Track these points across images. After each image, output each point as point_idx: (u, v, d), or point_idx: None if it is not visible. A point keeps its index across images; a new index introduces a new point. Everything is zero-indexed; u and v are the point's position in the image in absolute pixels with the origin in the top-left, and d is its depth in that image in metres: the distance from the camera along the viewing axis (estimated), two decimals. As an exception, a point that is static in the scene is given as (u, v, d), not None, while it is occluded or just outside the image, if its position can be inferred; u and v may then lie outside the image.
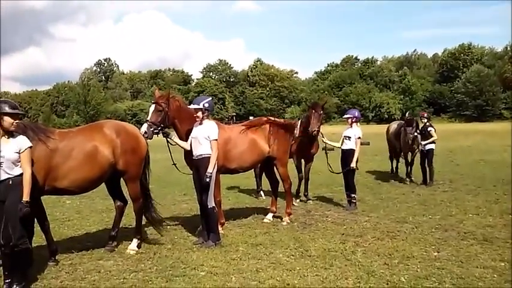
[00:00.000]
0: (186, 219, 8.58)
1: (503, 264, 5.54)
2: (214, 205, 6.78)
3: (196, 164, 6.80)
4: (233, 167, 7.64)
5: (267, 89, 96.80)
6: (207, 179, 6.54)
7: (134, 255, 6.36)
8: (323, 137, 9.62)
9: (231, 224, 7.94)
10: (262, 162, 8.16)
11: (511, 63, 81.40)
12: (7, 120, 4.96)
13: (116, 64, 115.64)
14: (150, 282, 5.25)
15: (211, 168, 6.59)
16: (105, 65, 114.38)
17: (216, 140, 6.69)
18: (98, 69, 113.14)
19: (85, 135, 6.20)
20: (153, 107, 6.84)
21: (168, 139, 7.01)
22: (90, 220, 8.80)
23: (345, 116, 9.52)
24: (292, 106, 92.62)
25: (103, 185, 6.73)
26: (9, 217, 4.85)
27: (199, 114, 6.74)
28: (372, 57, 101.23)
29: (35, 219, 5.93)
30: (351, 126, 9.33)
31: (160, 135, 6.96)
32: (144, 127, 6.72)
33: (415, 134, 11.79)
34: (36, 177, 5.43)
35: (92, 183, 6.23)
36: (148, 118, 6.79)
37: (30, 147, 5.10)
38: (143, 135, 6.69)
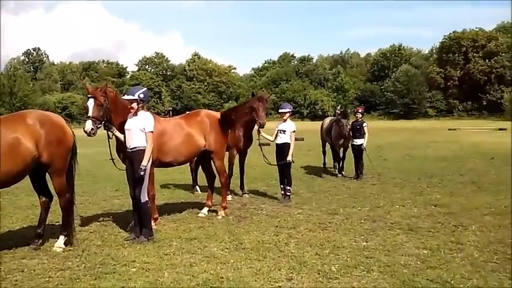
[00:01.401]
0: (117, 215, 8.31)
1: (426, 251, 5.87)
2: (147, 199, 6.61)
3: (130, 157, 6.59)
4: (168, 160, 7.51)
5: (205, 83, 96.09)
6: (141, 172, 6.36)
7: (61, 253, 6.06)
8: (259, 131, 9.56)
9: (165, 219, 7.80)
10: (198, 155, 8.08)
11: (436, 64, 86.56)
12: None
13: (45, 54, 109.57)
14: (77, 280, 5.02)
15: (146, 161, 6.41)
16: (34, 55, 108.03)
17: (152, 132, 6.52)
18: (26, 59, 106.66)
19: (6, 126, 5.78)
20: (91, 101, 6.50)
21: (110, 132, 6.75)
22: (13, 217, 8.27)
23: (282, 110, 9.59)
24: (230, 101, 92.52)
25: (28, 180, 6.36)
26: None
27: (134, 105, 6.52)
28: (308, 55, 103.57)
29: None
30: (285, 121, 9.46)
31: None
32: (89, 124, 6.42)
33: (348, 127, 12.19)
34: None
35: (14, 177, 5.83)
36: (90, 114, 6.45)
37: None
38: (89, 133, 6.40)
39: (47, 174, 6.34)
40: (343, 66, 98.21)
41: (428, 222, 7.41)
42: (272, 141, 9.58)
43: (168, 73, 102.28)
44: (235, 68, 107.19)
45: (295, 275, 5.12)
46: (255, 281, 4.97)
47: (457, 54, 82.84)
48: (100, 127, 6.64)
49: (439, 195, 9.60)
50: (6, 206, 9.28)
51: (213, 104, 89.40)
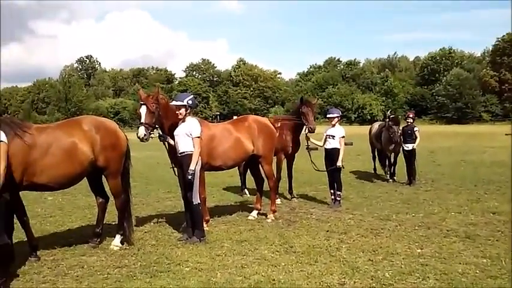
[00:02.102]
0: (170, 216, 8.52)
1: (485, 260, 5.63)
2: (199, 202, 6.74)
3: (180, 161, 6.75)
4: (217, 165, 7.62)
5: (251, 89, 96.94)
6: (189, 176, 6.49)
7: (118, 251, 6.29)
8: (307, 137, 9.51)
9: (216, 221, 7.91)
10: (246, 160, 8.15)
11: (490, 67, 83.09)
12: None
13: (97, 61, 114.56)
14: (134, 277, 5.19)
15: (194, 165, 6.53)
16: (87, 62, 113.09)
17: (199, 137, 6.63)
18: (80, 67, 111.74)
19: (63, 131, 6.08)
20: (144, 108, 6.67)
21: (165, 142, 6.94)
22: (72, 216, 8.67)
23: (330, 115, 9.46)
24: (276, 106, 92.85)
25: (85, 181, 6.65)
26: None
27: (182, 111, 6.66)
28: (355, 59, 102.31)
29: (14, 215, 5.84)
30: (334, 126, 9.36)
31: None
32: (142, 130, 6.58)
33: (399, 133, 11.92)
34: (13, 172, 5.31)
35: (71, 179, 6.12)
36: (142, 120, 6.63)
37: (5, 142, 4.93)
38: (142, 139, 6.59)
39: (103, 176, 6.60)
40: (391, 70, 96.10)
41: (487, 230, 7.10)
42: (321, 146, 9.51)
43: (215, 79, 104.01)
44: (280, 73, 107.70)
45: (348, 280, 5.05)
46: (307, 284, 4.95)
47: None
48: (152, 133, 6.81)
49: (497, 203, 9.17)
50: (65, 206, 9.73)
51: (259, 109, 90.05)
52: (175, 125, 6.83)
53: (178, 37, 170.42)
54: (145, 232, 7.24)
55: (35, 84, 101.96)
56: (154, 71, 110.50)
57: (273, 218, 8.01)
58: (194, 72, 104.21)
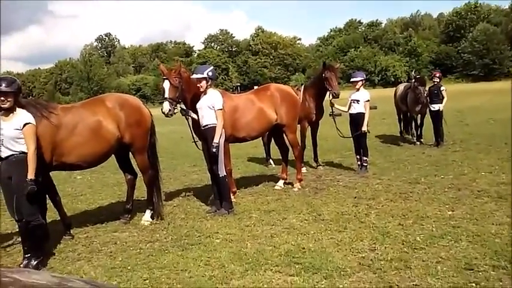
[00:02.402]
0: (197, 189, 8.61)
1: (518, 220, 5.51)
2: (225, 174, 6.76)
3: (204, 134, 6.75)
4: (241, 136, 7.59)
5: (270, 57, 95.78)
6: (214, 149, 6.49)
7: (148, 226, 6.41)
8: (332, 103, 9.34)
9: (243, 192, 7.95)
10: (270, 130, 8.10)
11: (519, 19, 79.70)
12: (5, 99, 4.84)
13: (117, 39, 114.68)
14: (166, 251, 5.28)
15: (218, 138, 6.52)
16: (106, 40, 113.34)
17: (221, 109, 6.59)
18: (99, 45, 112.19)
19: (88, 109, 6.12)
20: (167, 83, 6.64)
21: (187, 116, 6.93)
22: (102, 194, 8.85)
23: (354, 79, 9.24)
24: (297, 73, 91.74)
25: (112, 159, 6.73)
26: (17, 195, 4.86)
27: (203, 83, 6.61)
28: (376, 20, 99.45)
29: (46, 195, 5.98)
30: (358, 90, 9.16)
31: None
32: (167, 105, 6.58)
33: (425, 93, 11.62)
34: (42, 153, 5.41)
35: (99, 158, 6.20)
36: (166, 95, 6.61)
37: (33, 123, 4.97)
38: (167, 114, 6.59)
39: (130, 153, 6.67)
40: (414, 29, 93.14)
41: (520, 189, 6.92)
42: (346, 111, 9.35)
43: (234, 49, 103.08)
44: (300, 39, 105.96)
45: (379, 246, 5.01)
46: (337, 251, 4.95)
47: (542, 7, 75.75)
48: (176, 108, 6.80)
49: (530, 160, 8.92)
50: (94, 184, 9.94)
51: (280, 77, 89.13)
52: (197, 99, 6.79)
53: (195, 9, 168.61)
54: (174, 206, 7.34)
55: (56, 65, 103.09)
56: (173, 45, 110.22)
57: (300, 187, 8.00)
58: (213, 44, 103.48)
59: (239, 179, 9.09)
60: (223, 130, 6.64)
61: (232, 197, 7.13)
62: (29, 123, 4.92)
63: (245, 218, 6.40)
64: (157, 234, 5.99)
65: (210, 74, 6.63)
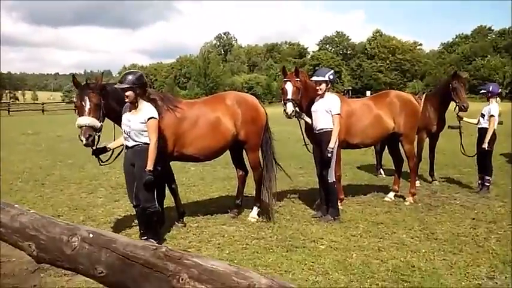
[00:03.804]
0: (303, 192, 8.61)
1: None
2: (334, 180, 6.67)
3: (318, 138, 6.71)
4: (355, 142, 7.41)
5: (387, 62, 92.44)
6: (329, 154, 6.42)
7: (255, 223, 6.55)
8: (458, 116, 8.64)
9: (350, 201, 7.77)
10: (385, 138, 7.81)
11: None
12: (130, 95, 5.14)
13: (234, 38, 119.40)
14: (271, 250, 5.36)
15: (333, 143, 6.45)
16: (224, 38, 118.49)
17: (339, 114, 6.50)
18: (218, 43, 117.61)
19: (209, 106, 6.44)
20: (289, 84, 6.73)
21: (300, 119, 6.97)
22: (213, 187, 9.24)
23: (484, 90, 8.49)
24: (414, 80, 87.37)
25: (224, 154, 6.94)
26: (137, 182, 5.21)
27: (323, 86, 6.57)
28: (509, 28, 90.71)
29: (165, 183, 6.42)
30: (490, 103, 8.41)
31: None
32: (291, 106, 6.67)
33: None
34: (165, 143, 5.79)
35: (215, 152, 6.49)
36: (289, 96, 6.70)
37: (156, 118, 5.22)
38: (290, 115, 6.70)
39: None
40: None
41: None
42: (475, 124, 8.63)
43: (348, 52, 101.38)
44: (420, 44, 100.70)
45: (498, 275, 4.60)
46: (450, 274, 4.63)
47: None
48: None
49: None
50: (206, 176, 10.43)
51: (395, 83, 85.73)
52: (311, 102, 6.79)
53: (313, 11, 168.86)
54: (280, 206, 7.41)
55: (177, 61, 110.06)
56: (287, 46, 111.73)
57: (412, 201, 7.59)
58: (327, 46, 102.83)
59: (346, 186, 8.89)
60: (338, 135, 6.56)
61: (339, 204, 7.02)
62: (153, 117, 5.20)
63: (351, 227, 6.26)
64: (263, 232, 6.10)
65: (331, 77, 6.59)
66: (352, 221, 6.55)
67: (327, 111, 6.50)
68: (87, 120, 5.23)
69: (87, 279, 4.42)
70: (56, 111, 49.44)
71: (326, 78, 6.54)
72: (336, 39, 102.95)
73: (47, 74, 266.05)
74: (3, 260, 5.12)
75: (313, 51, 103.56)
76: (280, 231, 6.10)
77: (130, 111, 5.27)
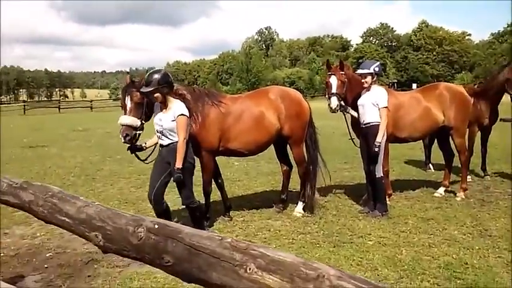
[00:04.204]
0: (349, 187, 8.50)
1: None
2: (382, 175, 6.54)
3: (364, 132, 6.60)
4: (403, 136, 7.23)
5: (434, 53, 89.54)
6: (376, 149, 6.30)
7: (300, 217, 6.53)
8: None
9: (398, 196, 7.59)
10: (435, 132, 7.58)
11: None
12: (158, 96, 5.06)
13: (276, 32, 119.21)
14: (317, 245, 5.33)
15: (381, 137, 6.32)
16: (266, 33, 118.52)
17: (386, 107, 6.37)
18: (259, 38, 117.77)
19: (253, 100, 6.47)
20: (334, 78, 6.67)
21: (346, 112, 6.90)
22: (257, 181, 9.28)
23: None
24: (463, 72, 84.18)
25: (267, 148, 6.91)
26: (174, 179, 5.16)
27: (368, 79, 6.45)
28: None
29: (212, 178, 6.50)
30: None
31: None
32: (335, 100, 6.62)
33: None
34: (211, 138, 5.86)
35: (259, 146, 6.50)
36: (334, 90, 6.65)
37: (185, 115, 5.11)
38: (334, 109, 6.67)
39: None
40: None
41: None
42: None
43: (393, 44, 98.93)
44: (469, 35, 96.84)
45: (558, 274, 4.36)
46: (506, 272, 4.45)
47: None
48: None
49: None
50: (250, 171, 10.49)
51: (443, 75, 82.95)
52: (357, 96, 6.69)
53: (356, 2, 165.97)
54: (326, 201, 7.35)
55: (220, 57, 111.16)
56: (329, 39, 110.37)
57: (463, 197, 7.34)
58: (371, 38, 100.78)
59: (394, 181, 8.70)
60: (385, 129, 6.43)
61: (387, 199, 6.89)
62: (182, 114, 5.07)
63: (400, 223, 6.12)
64: (308, 227, 6.08)
65: (376, 69, 6.45)
66: (401, 216, 6.40)
67: (373, 105, 6.37)
68: (126, 119, 5.34)
69: (139, 270, 4.62)
70: (104, 108, 51.04)
71: (371, 70, 6.41)
72: (380, 31, 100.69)
73: (94, 72, 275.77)
74: (59, 251, 5.37)
75: (356, 44, 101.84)
76: (327, 226, 6.06)
77: (161, 110, 5.20)
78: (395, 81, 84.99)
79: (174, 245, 1.52)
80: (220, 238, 1.48)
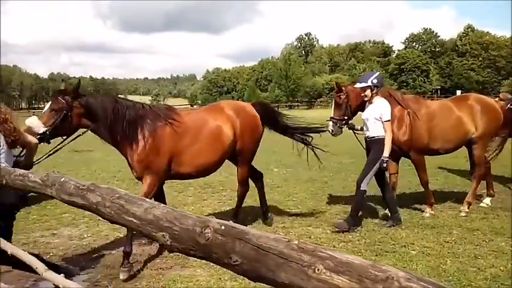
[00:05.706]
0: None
1: None
2: (365, 189, 6.25)
3: (369, 146, 6.42)
4: (435, 148, 6.92)
5: (479, 59, 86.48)
6: (384, 164, 6.13)
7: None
8: None
9: (442, 206, 7.42)
10: (464, 144, 7.20)
11: None
12: None
13: (316, 38, 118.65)
14: (359, 253, 5.29)
15: (387, 153, 6.14)
16: (306, 39, 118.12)
17: (389, 120, 6.17)
18: (299, 44, 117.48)
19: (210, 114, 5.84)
20: (333, 102, 6.72)
21: (354, 131, 6.83)
22: (296, 188, 9.29)
23: None
24: (510, 78, 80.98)
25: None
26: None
27: (368, 92, 6.25)
28: None
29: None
30: None
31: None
32: (330, 126, 6.66)
33: None
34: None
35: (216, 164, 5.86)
36: (331, 115, 6.68)
37: None
38: (332, 134, 6.67)
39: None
40: None
41: None
42: None
43: (437, 49, 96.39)
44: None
45: None
46: (558, 288, 4.28)
47: None
48: (343, 125, 6.75)
49: None
50: (289, 178, 10.52)
51: (489, 82, 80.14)
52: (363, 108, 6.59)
53: (399, 7, 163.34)
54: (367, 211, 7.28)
55: (259, 63, 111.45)
56: (371, 45, 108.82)
57: (467, 210, 6.95)
58: (414, 44, 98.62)
59: (438, 191, 8.51)
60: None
61: (429, 209, 6.80)
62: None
63: (444, 233, 6.00)
64: (350, 235, 6.03)
65: (374, 81, 6.22)
66: (445, 226, 6.27)
67: (376, 119, 6.19)
68: (32, 121, 4.95)
69: (181, 273, 4.75)
70: (146, 114, 52.20)
71: (369, 83, 6.22)
72: (423, 36, 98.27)
73: (137, 79, 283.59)
74: (104, 253, 5.59)
75: (398, 50, 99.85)
76: (368, 234, 6.01)
77: None
78: (439, 87, 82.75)
79: (241, 245, 1.60)
80: (287, 240, 1.55)
